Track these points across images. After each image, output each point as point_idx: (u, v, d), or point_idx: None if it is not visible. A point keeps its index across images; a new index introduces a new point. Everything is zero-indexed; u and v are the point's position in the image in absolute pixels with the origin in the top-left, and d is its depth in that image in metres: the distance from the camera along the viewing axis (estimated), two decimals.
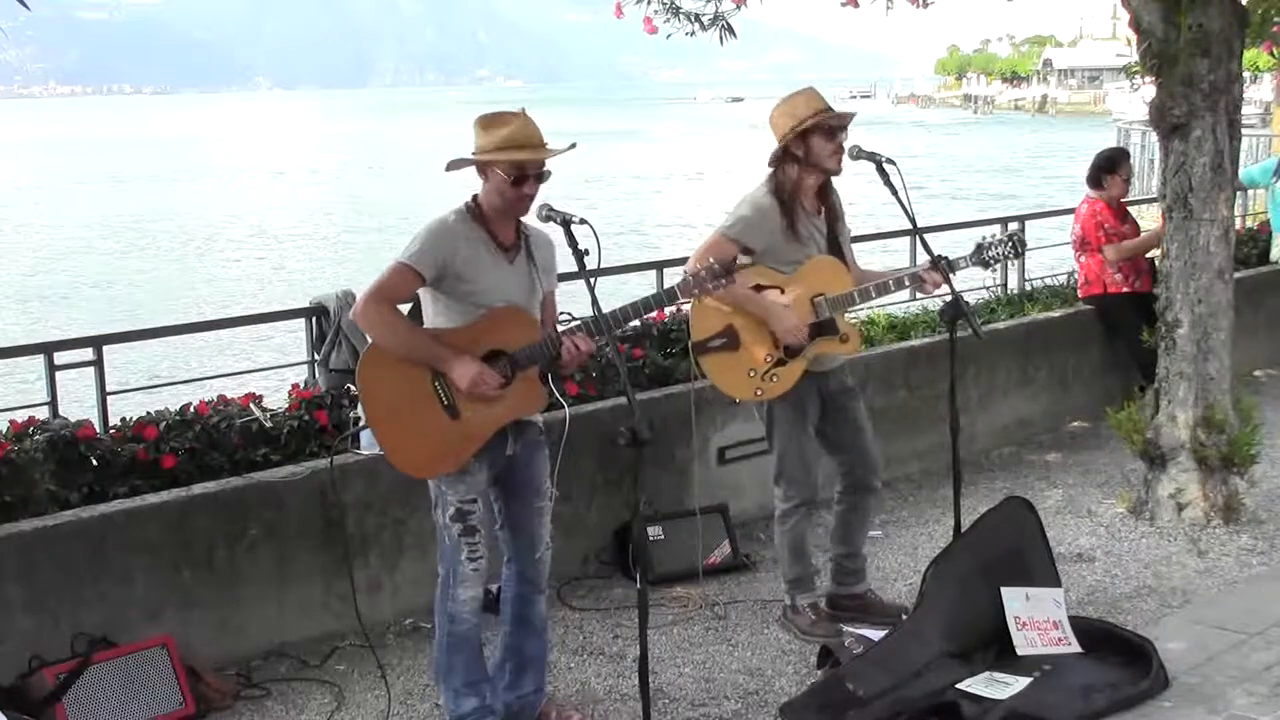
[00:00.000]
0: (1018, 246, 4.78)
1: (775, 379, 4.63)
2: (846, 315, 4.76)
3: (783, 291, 4.59)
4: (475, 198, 3.88)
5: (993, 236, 4.83)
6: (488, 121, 3.81)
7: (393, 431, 3.78)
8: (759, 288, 4.59)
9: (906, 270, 4.74)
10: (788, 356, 4.62)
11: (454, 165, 3.87)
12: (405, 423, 3.77)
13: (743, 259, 4.62)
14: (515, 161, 3.74)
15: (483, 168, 3.79)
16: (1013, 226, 7.82)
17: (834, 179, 4.69)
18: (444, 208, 3.90)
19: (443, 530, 3.90)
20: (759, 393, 4.66)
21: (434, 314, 3.86)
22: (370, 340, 3.84)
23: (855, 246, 4.98)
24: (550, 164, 3.82)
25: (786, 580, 4.87)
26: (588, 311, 3.82)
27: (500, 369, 3.78)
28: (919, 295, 5.98)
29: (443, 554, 3.93)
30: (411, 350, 3.75)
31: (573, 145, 3.91)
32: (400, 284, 3.77)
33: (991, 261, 4.81)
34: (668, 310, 6.39)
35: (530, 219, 3.94)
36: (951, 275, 4.69)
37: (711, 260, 3.91)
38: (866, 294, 4.69)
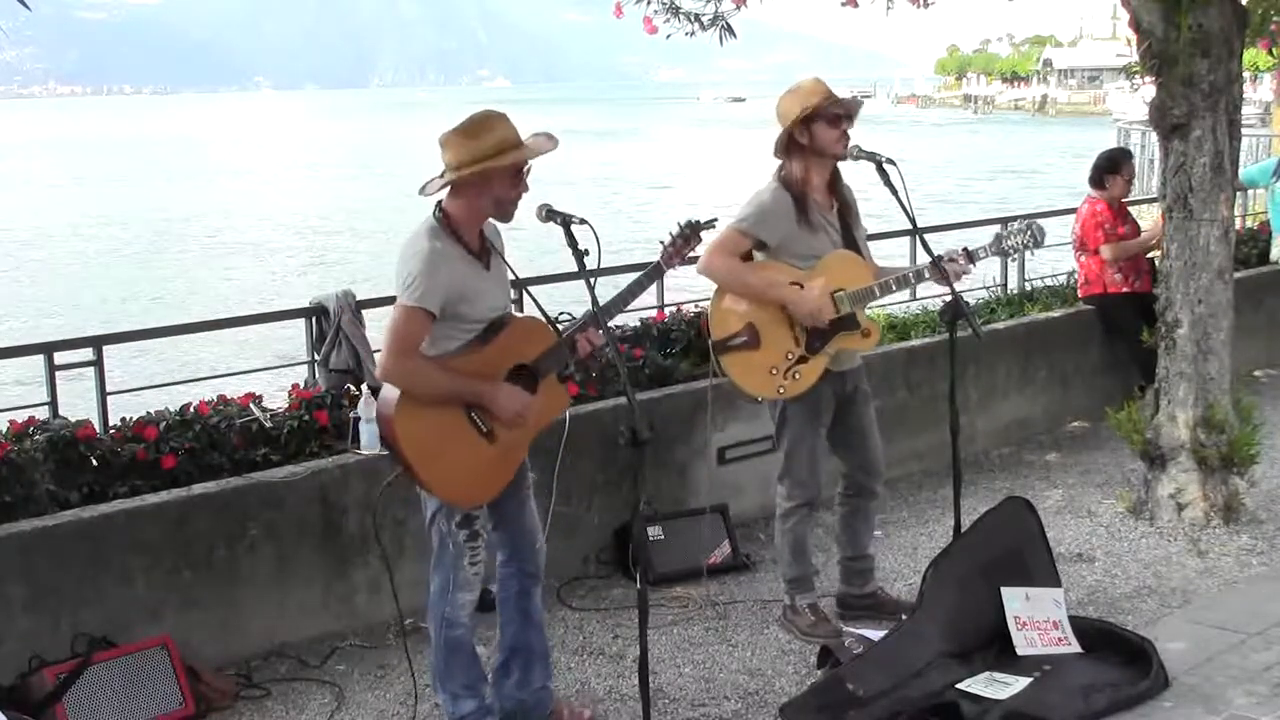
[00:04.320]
0: (1036, 235, 4.72)
1: (797, 377, 4.61)
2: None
3: (801, 286, 4.58)
4: (442, 209, 3.76)
5: (1012, 225, 4.79)
6: (472, 130, 3.69)
7: (440, 472, 3.73)
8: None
9: (925, 264, 4.68)
10: (809, 353, 4.62)
11: (436, 186, 3.73)
12: (451, 460, 3.74)
13: (758, 254, 4.65)
14: (520, 161, 3.69)
15: (484, 176, 3.66)
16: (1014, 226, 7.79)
17: (851, 179, 4.69)
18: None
19: (446, 537, 3.87)
20: (781, 390, 4.63)
21: (434, 338, 3.74)
22: (399, 391, 3.67)
23: None
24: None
25: (786, 580, 4.87)
26: (585, 311, 3.84)
27: (525, 383, 3.79)
28: (918, 295, 5.98)
29: (440, 561, 3.91)
30: (450, 394, 3.70)
31: (554, 140, 3.81)
32: (416, 330, 3.66)
33: (1010, 251, 4.78)
34: (668, 310, 6.41)
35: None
36: (973, 264, 4.65)
37: (677, 223, 3.94)
38: (887, 288, 4.66)
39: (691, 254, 4.15)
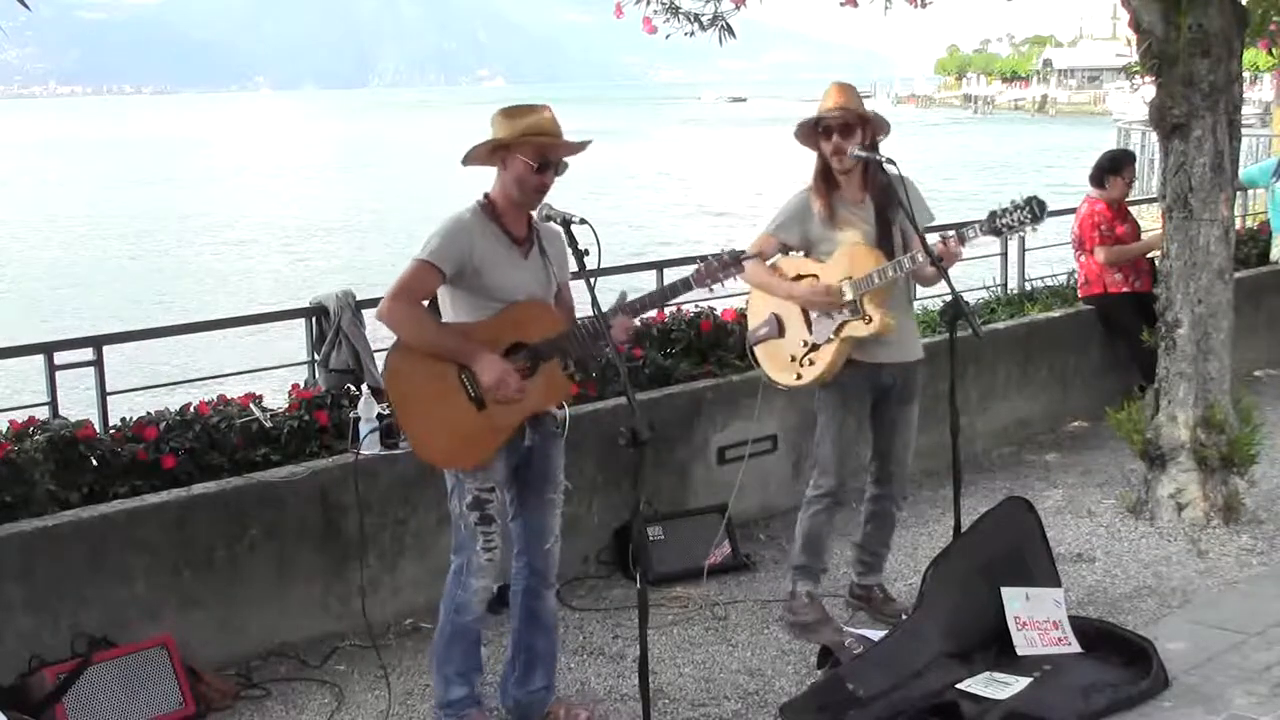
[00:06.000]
0: (1035, 210, 4.46)
1: (812, 363, 4.68)
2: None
3: (818, 278, 4.65)
4: (488, 194, 3.92)
5: (1009, 202, 4.56)
6: (511, 112, 3.85)
7: (419, 422, 3.84)
8: (799, 277, 4.70)
9: (918, 253, 4.62)
10: (818, 340, 4.68)
11: (471, 156, 3.87)
12: (432, 414, 3.82)
13: (795, 255, 4.76)
14: (541, 145, 3.78)
15: (504, 156, 3.82)
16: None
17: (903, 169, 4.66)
18: (453, 206, 3.93)
19: (459, 519, 3.92)
20: (798, 377, 4.72)
21: (453, 310, 3.90)
22: (396, 337, 3.87)
23: None
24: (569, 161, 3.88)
25: (793, 565, 4.87)
26: (585, 312, 3.86)
27: (522, 362, 3.82)
28: (919, 295, 5.94)
29: (459, 543, 3.94)
30: (437, 346, 3.81)
31: (589, 141, 3.94)
32: (422, 281, 3.82)
33: (1005, 229, 4.58)
34: (668, 310, 6.40)
35: None
36: (963, 245, 4.56)
37: (720, 249, 3.98)
38: (884, 274, 4.57)
39: (725, 278, 4.02)
